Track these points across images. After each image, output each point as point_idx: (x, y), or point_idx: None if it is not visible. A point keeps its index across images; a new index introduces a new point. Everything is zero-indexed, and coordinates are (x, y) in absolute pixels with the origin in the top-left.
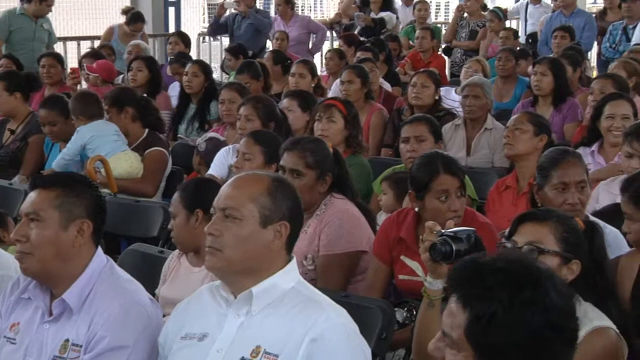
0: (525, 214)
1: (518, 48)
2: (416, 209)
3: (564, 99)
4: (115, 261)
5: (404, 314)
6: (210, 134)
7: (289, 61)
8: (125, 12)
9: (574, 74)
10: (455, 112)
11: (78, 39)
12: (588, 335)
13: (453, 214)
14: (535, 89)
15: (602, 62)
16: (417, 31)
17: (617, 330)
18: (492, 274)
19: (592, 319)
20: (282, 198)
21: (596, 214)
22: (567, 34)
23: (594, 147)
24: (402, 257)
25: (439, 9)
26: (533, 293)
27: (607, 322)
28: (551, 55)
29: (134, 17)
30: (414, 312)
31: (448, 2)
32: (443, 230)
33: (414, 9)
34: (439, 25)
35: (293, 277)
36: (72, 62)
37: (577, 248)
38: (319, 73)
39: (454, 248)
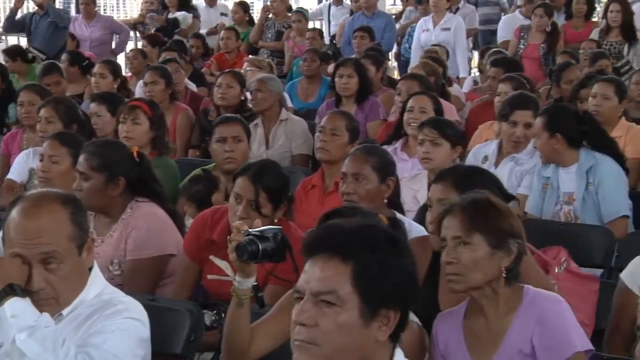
0: (332, 211)
1: (323, 48)
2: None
3: (366, 97)
4: None
5: (213, 317)
6: None
7: (87, 61)
8: None
9: (377, 74)
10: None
11: None
12: None
13: None
14: (342, 90)
15: (403, 63)
16: (222, 32)
17: (419, 323)
18: (363, 230)
19: None
20: (82, 217)
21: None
22: (367, 34)
23: (397, 144)
24: (210, 257)
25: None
26: (404, 244)
27: (411, 315)
28: (353, 56)
29: None
30: (223, 315)
31: (253, 2)
32: (250, 230)
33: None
34: None
35: (98, 284)
36: None
37: None
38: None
39: (260, 247)
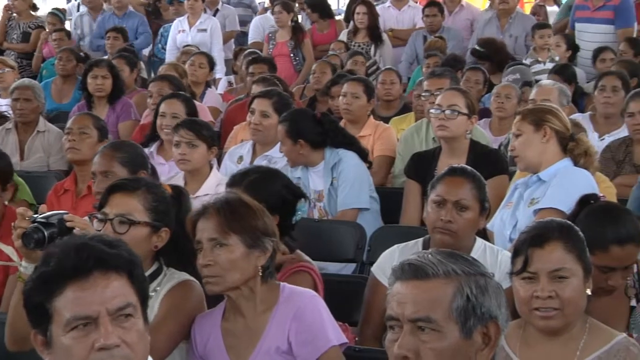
0: (116, 184)
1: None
2: None
3: (119, 98)
4: None
5: None
6: None
7: None
8: None
9: (131, 74)
10: (8, 115)
11: None
12: (176, 285)
13: None
14: (96, 91)
15: (157, 63)
16: None
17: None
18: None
19: (178, 277)
20: None
21: None
22: (120, 34)
23: (152, 147)
24: None
25: None
26: None
27: (192, 277)
28: (106, 57)
29: None
30: None
31: None
32: (35, 215)
33: None
34: None
35: None
36: None
37: (166, 216)
38: None
39: (46, 234)
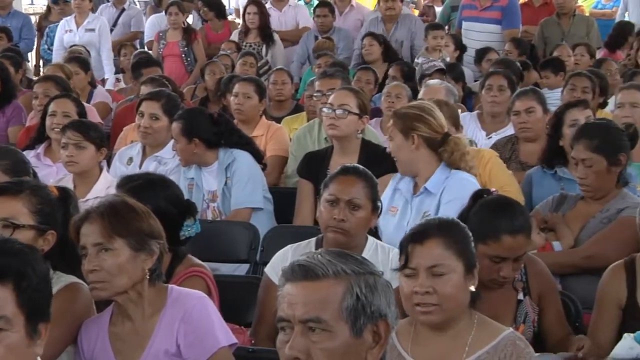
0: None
1: None
2: None
3: (9, 101)
4: None
5: None
6: None
7: None
8: None
9: (16, 75)
10: None
11: None
12: (63, 288)
13: None
14: None
15: (44, 64)
16: None
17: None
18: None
19: (65, 280)
20: None
21: None
22: (4, 34)
23: (39, 149)
24: None
25: None
26: None
27: (80, 280)
28: None
29: None
30: None
31: None
32: None
33: None
34: None
35: None
36: None
37: (52, 218)
38: None
39: None
